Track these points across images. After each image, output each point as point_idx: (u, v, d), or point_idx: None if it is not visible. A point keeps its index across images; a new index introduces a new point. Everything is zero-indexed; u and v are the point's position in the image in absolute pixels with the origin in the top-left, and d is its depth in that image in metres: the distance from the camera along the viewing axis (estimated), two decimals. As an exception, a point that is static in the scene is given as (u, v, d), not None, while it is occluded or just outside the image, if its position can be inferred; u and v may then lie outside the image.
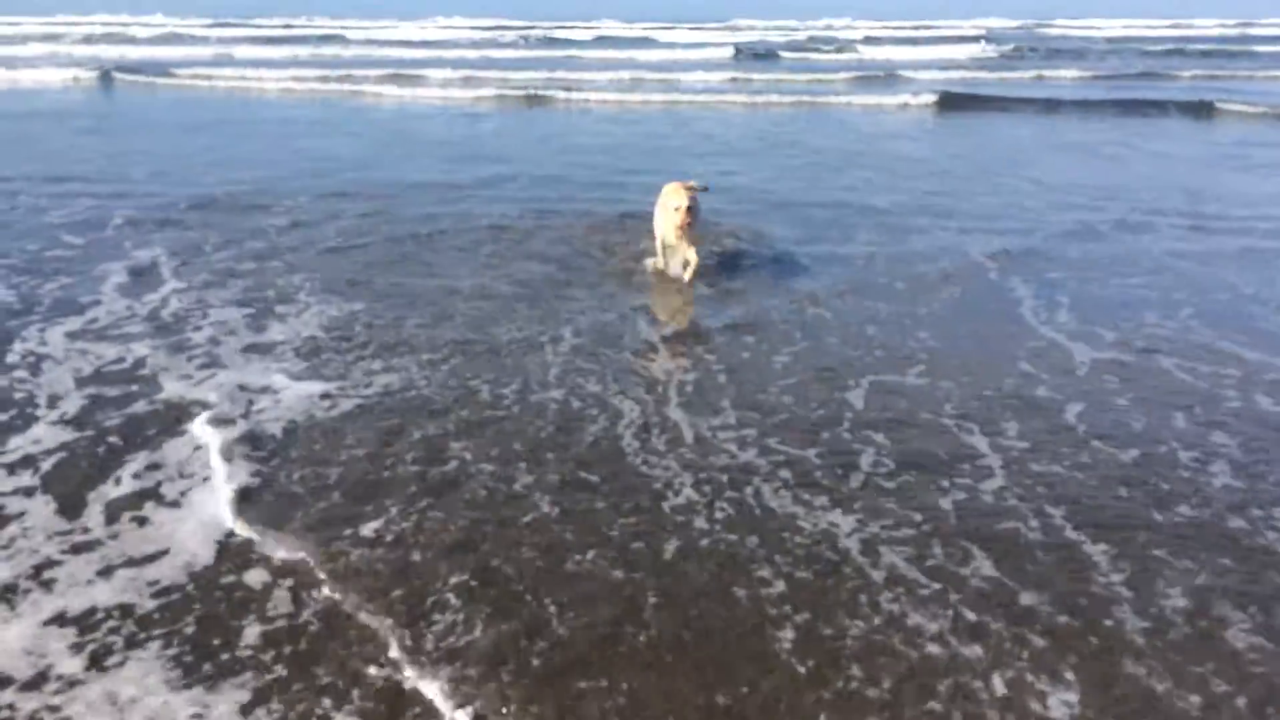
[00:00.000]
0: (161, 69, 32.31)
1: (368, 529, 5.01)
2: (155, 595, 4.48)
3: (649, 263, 9.68)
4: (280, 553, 4.81)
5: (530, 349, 7.53)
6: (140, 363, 7.09)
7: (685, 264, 9.19)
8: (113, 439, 5.92)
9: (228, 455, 5.72)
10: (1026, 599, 4.54)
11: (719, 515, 5.18)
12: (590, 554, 4.81)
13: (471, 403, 6.52)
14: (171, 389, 6.62)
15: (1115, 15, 71.94)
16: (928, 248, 10.84)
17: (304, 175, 14.60)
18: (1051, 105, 25.64)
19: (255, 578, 4.63)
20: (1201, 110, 24.53)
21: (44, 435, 5.95)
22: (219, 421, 6.14)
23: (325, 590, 4.53)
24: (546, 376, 6.97)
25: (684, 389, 6.84)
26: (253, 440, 5.91)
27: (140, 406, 6.36)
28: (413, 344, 7.58)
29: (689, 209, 8.81)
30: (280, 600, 4.46)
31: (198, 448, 5.84)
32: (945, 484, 5.59)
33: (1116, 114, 24.44)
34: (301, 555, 4.79)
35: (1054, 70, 35.76)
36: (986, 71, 35.57)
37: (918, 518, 5.21)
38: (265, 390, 6.65)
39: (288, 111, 23.71)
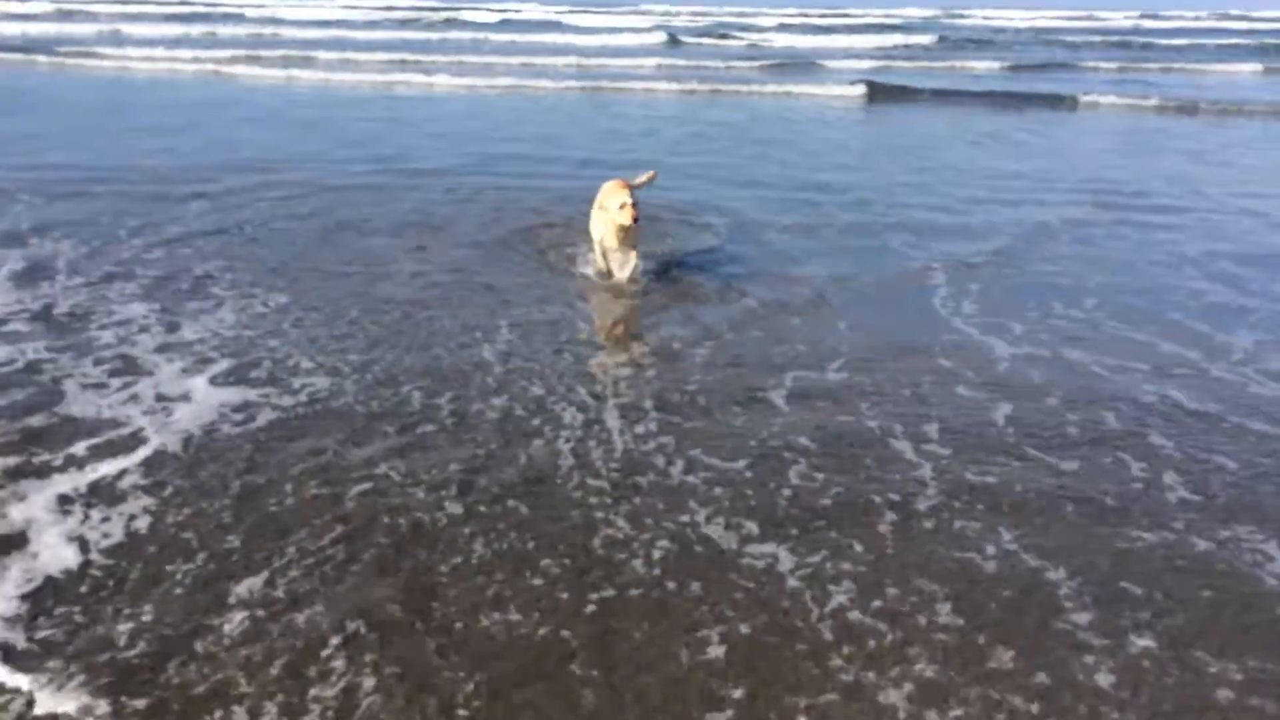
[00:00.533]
0: (46, 47, 30.01)
1: (249, 586, 3.98)
2: None
3: (591, 261, 8.39)
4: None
5: (467, 346, 6.61)
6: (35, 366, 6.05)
7: (625, 266, 8.09)
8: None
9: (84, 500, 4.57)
10: (994, 657, 3.75)
11: (655, 555, 4.31)
12: (513, 611, 3.88)
13: (403, 414, 5.56)
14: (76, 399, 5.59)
15: (1026, 6, 71.80)
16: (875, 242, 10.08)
17: (215, 156, 13.42)
18: (978, 97, 24.76)
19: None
20: (1091, 105, 23.90)
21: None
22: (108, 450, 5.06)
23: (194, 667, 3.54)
24: (485, 380, 6.05)
25: (618, 392, 5.98)
26: (149, 466, 4.89)
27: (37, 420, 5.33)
28: (344, 342, 6.62)
29: (634, 204, 7.64)
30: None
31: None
32: (879, 499, 4.81)
33: (1041, 106, 23.81)
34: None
35: (971, 61, 35.11)
36: (906, 61, 34.82)
37: (859, 548, 4.39)
38: (181, 398, 5.65)
39: (182, 93, 22.16)
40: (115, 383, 5.80)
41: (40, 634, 3.66)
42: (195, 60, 28.27)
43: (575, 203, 9.77)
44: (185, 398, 5.65)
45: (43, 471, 4.75)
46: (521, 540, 4.34)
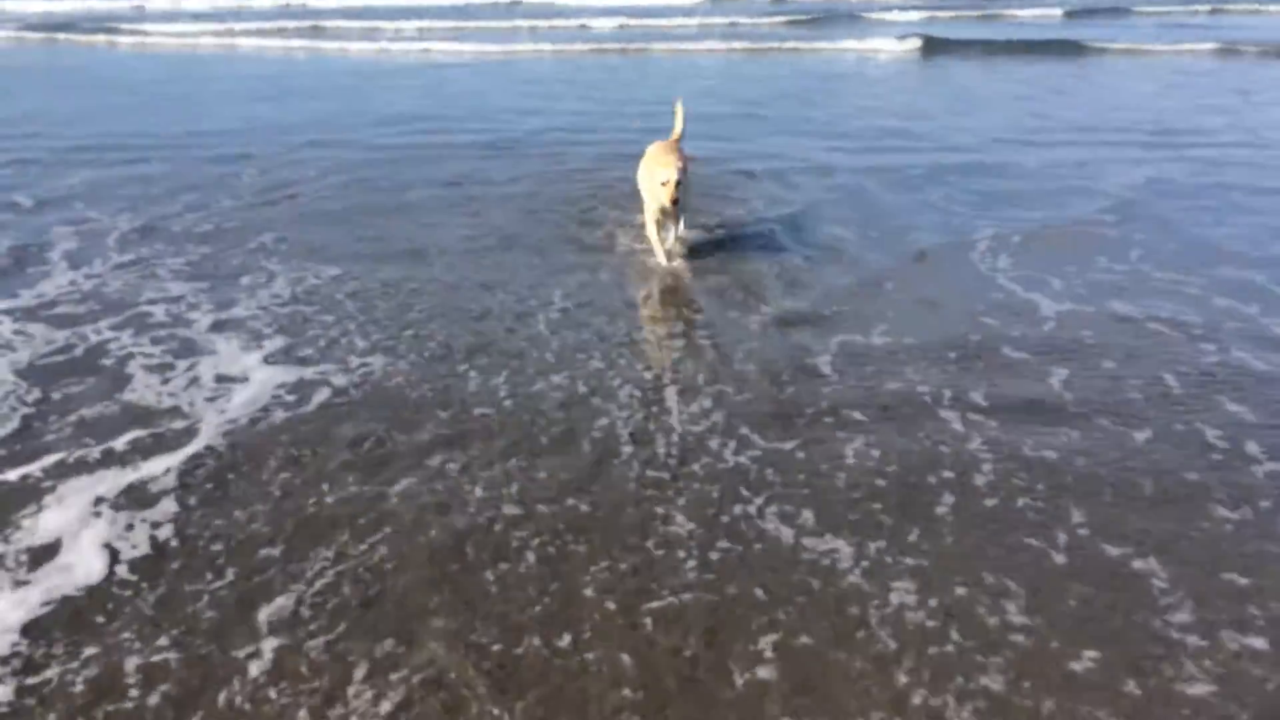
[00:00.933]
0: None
1: (280, 608, 3.49)
2: None
3: (648, 231, 7.22)
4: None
5: (523, 317, 6.13)
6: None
7: (667, 238, 7.27)
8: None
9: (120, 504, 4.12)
10: (1074, 663, 3.23)
11: (712, 556, 3.80)
12: (561, 633, 3.39)
13: (457, 397, 5.06)
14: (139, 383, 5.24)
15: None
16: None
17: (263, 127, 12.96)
18: (1031, 46, 22.99)
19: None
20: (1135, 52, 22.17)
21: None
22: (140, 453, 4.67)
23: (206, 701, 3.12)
24: (543, 356, 5.56)
25: (674, 367, 5.46)
26: (192, 463, 4.47)
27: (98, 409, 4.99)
28: (400, 316, 6.18)
29: (677, 183, 6.68)
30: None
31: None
32: (934, 479, 4.27)
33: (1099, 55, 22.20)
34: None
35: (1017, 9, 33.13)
36: (951, 12, 32.94)
37: (916, 537, 3.87)
38: (238, 379, 5.28)
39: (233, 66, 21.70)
40: (175, 365, 5.47)
41: (47, 674, 3.23)
42: (229, 34, 27.69)
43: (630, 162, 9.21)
44: (243, 378, 5.31)
45: (90, 467, 4.41)
46: (577, 542, 3.87)
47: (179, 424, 4.78)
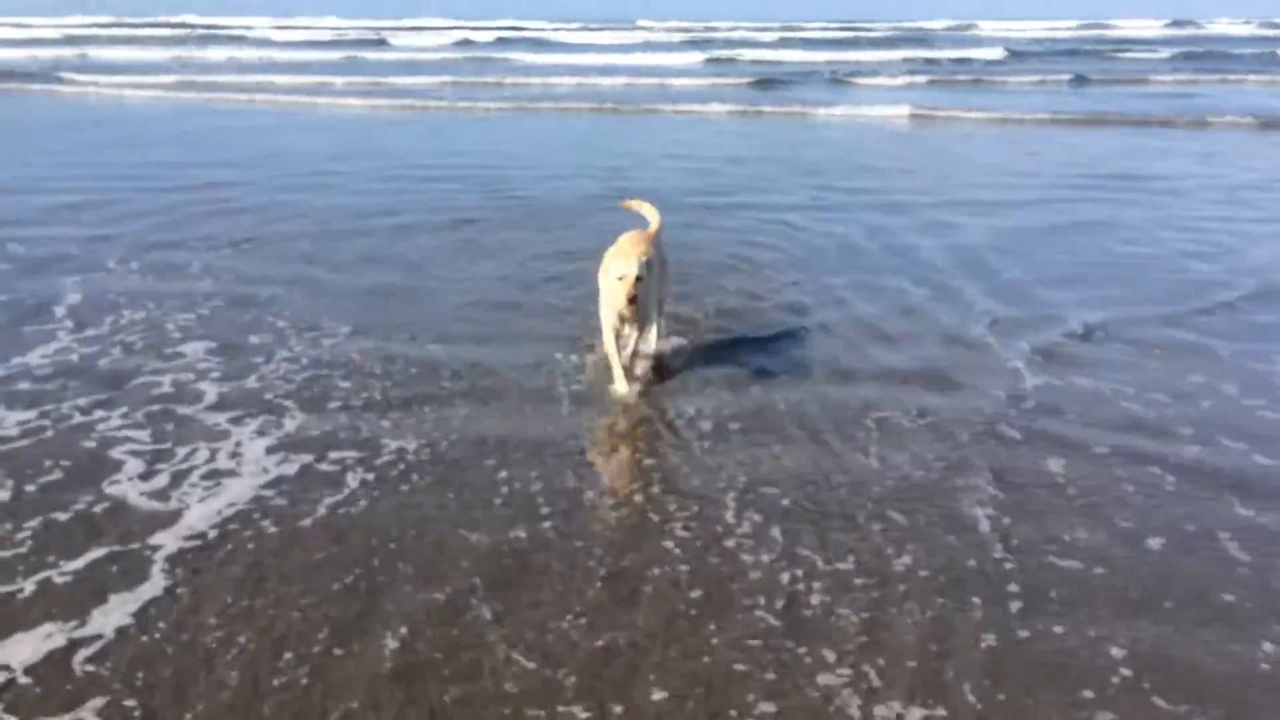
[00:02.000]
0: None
1: None
2: None
3: (602, 349, 5.86)
4: None
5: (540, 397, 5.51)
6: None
7: (628, 345, 5.85)
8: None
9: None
10: None
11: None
12: None
13: (487, 522, 4.30)
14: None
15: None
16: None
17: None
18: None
19: None
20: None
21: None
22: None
23: None
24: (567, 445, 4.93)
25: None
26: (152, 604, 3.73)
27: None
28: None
29: (637, 279, 5.34)
30: None
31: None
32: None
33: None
34: None
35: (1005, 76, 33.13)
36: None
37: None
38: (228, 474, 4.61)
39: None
40: (159, 453, 4.84)
41: None
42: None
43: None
44: (232, 473, 4.68)
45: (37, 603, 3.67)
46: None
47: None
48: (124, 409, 5.36)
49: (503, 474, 4.72)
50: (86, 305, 7.17)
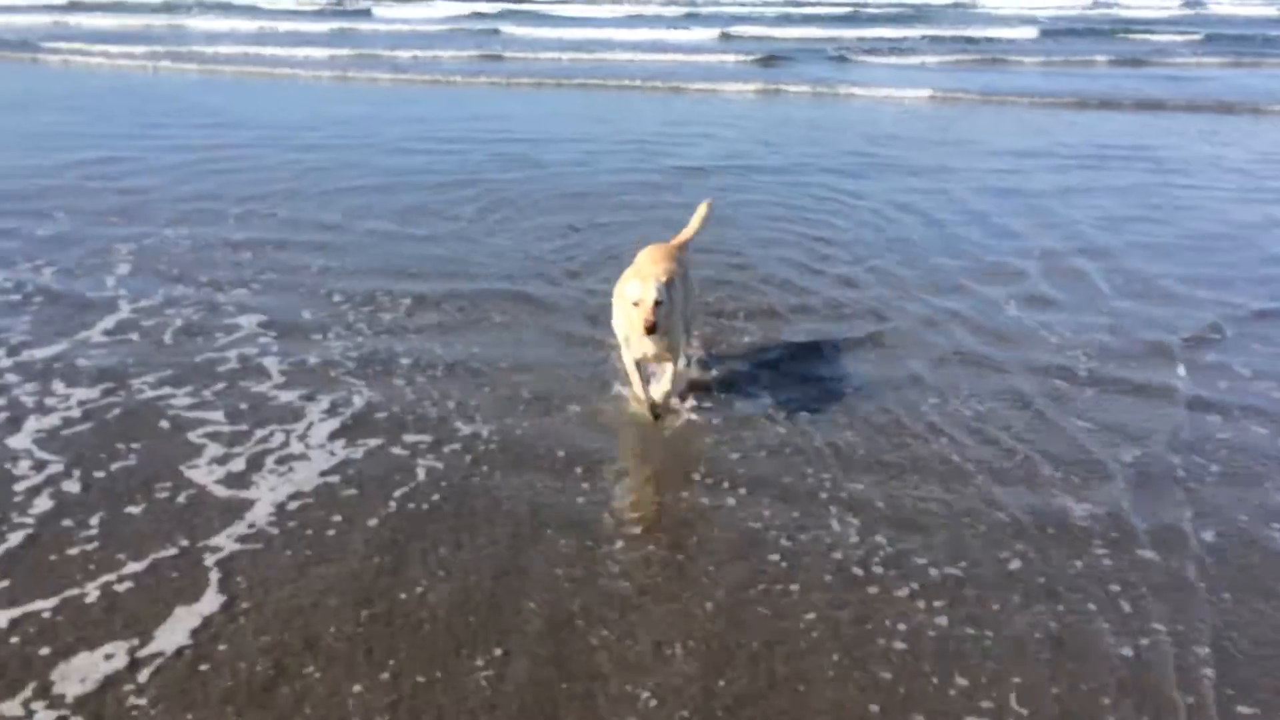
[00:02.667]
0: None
1: None
2: None
3: (625, 364, 5.15)
4: None
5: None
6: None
7: (660, 381, 5.11)
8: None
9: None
10: None
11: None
12: None
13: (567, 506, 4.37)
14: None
15: None
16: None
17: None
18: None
19: None
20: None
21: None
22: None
23: None
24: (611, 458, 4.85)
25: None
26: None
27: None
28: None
29: (656, 303, 4.59)
30: None
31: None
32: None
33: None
34: None
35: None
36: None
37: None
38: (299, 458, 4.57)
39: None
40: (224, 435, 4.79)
41: None
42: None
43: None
44: (303, 456, 4.64)
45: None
46: None
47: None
48: (190, 387, 5.33)
49: (578, 458, 4.69)
50: (140, 273, 7.14)
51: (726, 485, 4.49)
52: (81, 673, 3.21)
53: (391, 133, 13.35)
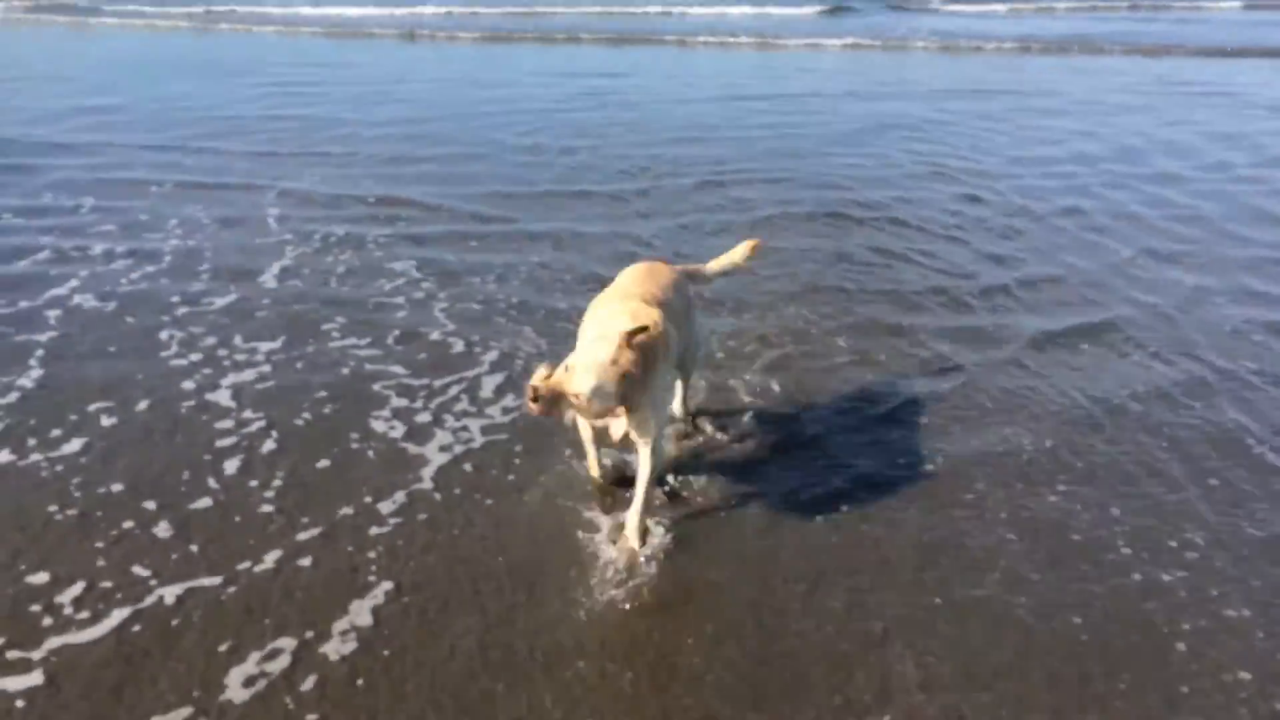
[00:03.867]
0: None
1: None
2: None
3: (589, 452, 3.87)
4: None
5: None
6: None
7: (642, 471, 3.49)
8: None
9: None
10: None
11: None
12: None
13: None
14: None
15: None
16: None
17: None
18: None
19: None
20: None
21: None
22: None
23: None
24: None
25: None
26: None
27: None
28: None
29: (635, 360, 3.16)
30: None
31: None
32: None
33: None
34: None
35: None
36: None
37: None
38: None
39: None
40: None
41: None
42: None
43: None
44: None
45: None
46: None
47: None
48: (371, 336, 5.32)
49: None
50: (290, 219, 7.24)
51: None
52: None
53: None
